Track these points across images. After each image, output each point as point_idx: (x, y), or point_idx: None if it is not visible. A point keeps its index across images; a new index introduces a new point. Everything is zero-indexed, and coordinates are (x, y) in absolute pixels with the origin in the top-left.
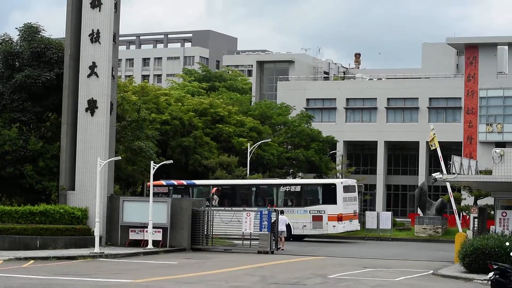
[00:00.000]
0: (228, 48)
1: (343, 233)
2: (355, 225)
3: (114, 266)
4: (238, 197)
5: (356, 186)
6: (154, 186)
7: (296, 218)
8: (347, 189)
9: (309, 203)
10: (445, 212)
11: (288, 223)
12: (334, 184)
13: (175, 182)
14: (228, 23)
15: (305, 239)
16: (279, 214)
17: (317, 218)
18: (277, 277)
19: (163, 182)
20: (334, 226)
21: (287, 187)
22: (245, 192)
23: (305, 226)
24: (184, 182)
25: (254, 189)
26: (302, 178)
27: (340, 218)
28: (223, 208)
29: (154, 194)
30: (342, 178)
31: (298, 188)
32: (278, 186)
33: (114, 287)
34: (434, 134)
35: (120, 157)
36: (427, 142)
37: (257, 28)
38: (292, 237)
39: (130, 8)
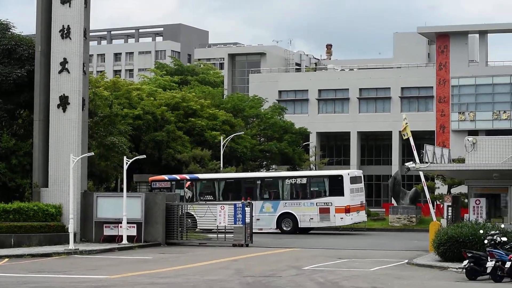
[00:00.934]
0: (200, 41)
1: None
2: (362, 216)
3: (89, 262)
4: (243, 190)
5: (362, 177)
6: (155, 181)
7: (302, 211)
8: (354, 180)
9: (315, 195)
10: (419, 201)
11: (295, 216)
12: (341, 176)
13: (177, 176)
14: (200, 16)
15: (310, 231)
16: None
17: (324, 210)
18: (252, 270)
19: (165, 177)
20: (341, 218)
21: (293, 179)
22: (250, 186)
23: (312, 218)
24: (187, 176)
25: (259, 182)
26: (275, 170)
27: (347, 209)
28: (197, 203)
29: (156, 189)
30: (315, 169)
31: (304, 180)
32: (284, 178)
33: (90, 283)
34: (407, 123)
35: (93, 153)
36: (399, 132)
37: (228, 21)
38: (298, 230)
39: (101, 3)
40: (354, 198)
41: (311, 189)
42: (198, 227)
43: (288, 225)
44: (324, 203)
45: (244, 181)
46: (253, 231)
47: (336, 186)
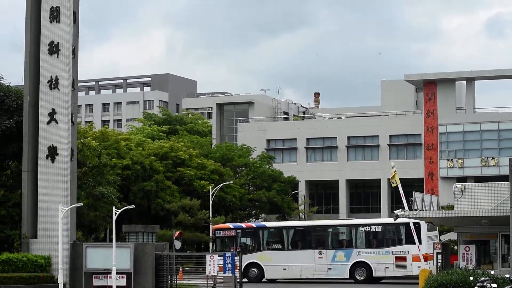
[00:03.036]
0: (188, 91)
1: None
2: None
3: None
4: (313, 239)
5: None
6: (220, 229)
7: (377, 260)
8: (430, 227)
9: (391, 244)
10: None
11: (369, 265)
12: (418, 223)
13: (243, 225)
14: (188, 66)
15: (382, 281)
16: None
17: (401, 259)
18: None
19: (230, 225)
20: (419, 266)
21: (367, 227)
22: (321, 234)
23: (387, 267)
24: (254, 225)
25: (330, 230)
26: (265, 219)
27: (425, 258)
28: (186, 253)
29: (220, 238)
30: (305, 218)
31: (379, 228)
32: (357, 226)
33: None
34: (395, 171)
35: (81, 204)
36: (388, 180)
37: (216, 69)
38: (372, 280)
39: (90, 55)
40: (430, 246)
41: (387, 237)
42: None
43: (362, 274)
44: (401, 251)
45: (314, 229)
46: (325, 280)
47: (412, 234)
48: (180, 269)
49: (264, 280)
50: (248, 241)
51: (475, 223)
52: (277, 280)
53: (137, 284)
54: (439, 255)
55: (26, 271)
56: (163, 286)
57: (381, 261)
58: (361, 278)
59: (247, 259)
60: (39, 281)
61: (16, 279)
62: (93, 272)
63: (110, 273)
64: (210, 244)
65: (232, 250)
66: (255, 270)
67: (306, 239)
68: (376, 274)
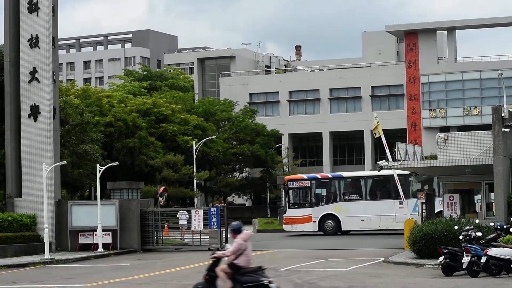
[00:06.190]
0: (169, 47)
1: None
2: None
3: (66, 271)
4: (393, 188)
5: None
6: (292, 180)
7: None
8: None
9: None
10: None
11: None
12: None
13: (318, 175)
14: (170, 22)
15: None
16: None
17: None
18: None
19: (304, 176)
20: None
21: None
22: (402, 183)
23: None
24: (329, 175)
25: (411, 179)
26: (249, 173)
27: None
28: (171, 209)
29: (293, 189)
30: (289, 171)
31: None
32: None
33: None
34: (378, 122)
35: (65, 162)
36: (371, 131)
37: (198, 26)
38: None
39: (69, 11)
40: None
41: None
42: None
43: None
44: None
45: (395, 179)
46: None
47: None
48: (166, 225)
49: (338, 233)
50: (323, 192)
51: (458, 172)
52: (350, 232)
53: (122, 241)
54: (424, 205)
55: (12, 230)
56: (148, 242)
57: None
58: None
59: (323, 210)
60: (25, 240)
61: (1, 239)
62: (79, 230)
63: (96, 230)
64: (195, 199)
65: (305, 202)
66: (331, 221)
67: (385, 189)
68: None
